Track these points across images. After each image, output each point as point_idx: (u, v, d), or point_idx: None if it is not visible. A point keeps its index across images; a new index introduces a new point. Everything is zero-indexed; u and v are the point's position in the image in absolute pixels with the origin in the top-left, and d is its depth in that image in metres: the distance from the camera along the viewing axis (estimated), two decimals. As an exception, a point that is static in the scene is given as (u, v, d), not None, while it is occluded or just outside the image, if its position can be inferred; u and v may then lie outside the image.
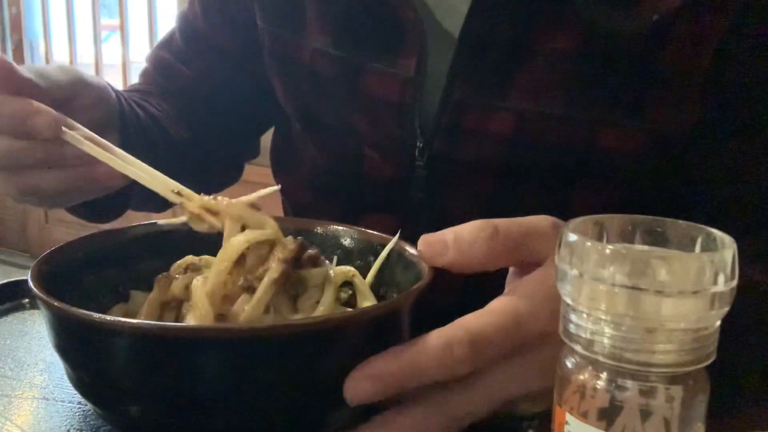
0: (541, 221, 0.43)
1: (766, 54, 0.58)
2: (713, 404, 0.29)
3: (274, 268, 0.45)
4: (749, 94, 0.59)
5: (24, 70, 0.56)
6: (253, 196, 0.47)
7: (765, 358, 0.53)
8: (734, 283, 0.28)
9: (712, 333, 0.29)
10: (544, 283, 0.40)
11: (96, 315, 0.38)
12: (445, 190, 0.66)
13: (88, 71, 0.76)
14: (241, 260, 0.46)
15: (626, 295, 0.28)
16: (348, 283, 0.52)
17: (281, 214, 0.84)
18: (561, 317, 0.31)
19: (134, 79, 0.88)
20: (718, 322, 0.29)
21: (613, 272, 0.28)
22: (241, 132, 0.85)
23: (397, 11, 0.62)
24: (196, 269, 0.49)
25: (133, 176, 0.50)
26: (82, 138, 0.53)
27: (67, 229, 3.47)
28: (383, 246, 0.52)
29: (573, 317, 0.30)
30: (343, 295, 0.52)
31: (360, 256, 0.54)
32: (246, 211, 0.46)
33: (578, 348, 0.30)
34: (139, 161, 0.51)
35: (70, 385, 0.44)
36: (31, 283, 0.43)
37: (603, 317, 0.28)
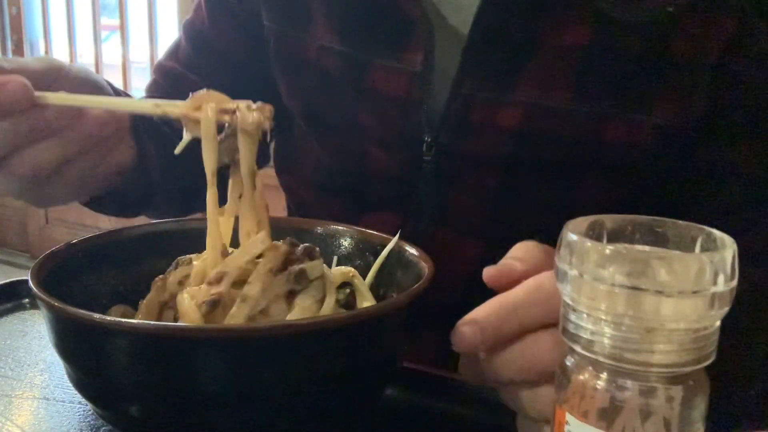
0: None
1: None
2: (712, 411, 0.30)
3: (269, 257, 0.45)
4: (756, 92, 0.59)
5: None
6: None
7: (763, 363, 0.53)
8: (734, 283, 0.28)
9: (712, 333, 0.29)
10: None
11: (96, 315, 0.38)
12: (451, 186, 0.66)
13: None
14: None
15: (626, 295, 0.28)
16: (347, 284, 0.52)
17: (284, 211, 0.84)
18: (561, 317, 0.31)
19: (134, 79, 0.87)
20: (718, 322, 0.29)
21: (613, 272, 0.28)
22: None
23: (403, 7, 0.62)
24: (187, 263, 0.49)
25: (116, 108, 0.53)
26: (57, 94, 0.52)
27: (67, 229, 3.47)
28: (383, 246, 0.53)
29: (573, 317, 0.30)
30: (341, 296, 0.52)
31: (360, 256, 0.54)
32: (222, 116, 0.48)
33: (578, 348, 0.30)
34: (120, 98, 0.52)
35: (70, 385, 0.45)
36: (31, 283, 0.43)
37: (603, 317, 0.28)
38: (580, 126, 0.61)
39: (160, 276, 0.49)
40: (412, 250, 0.50)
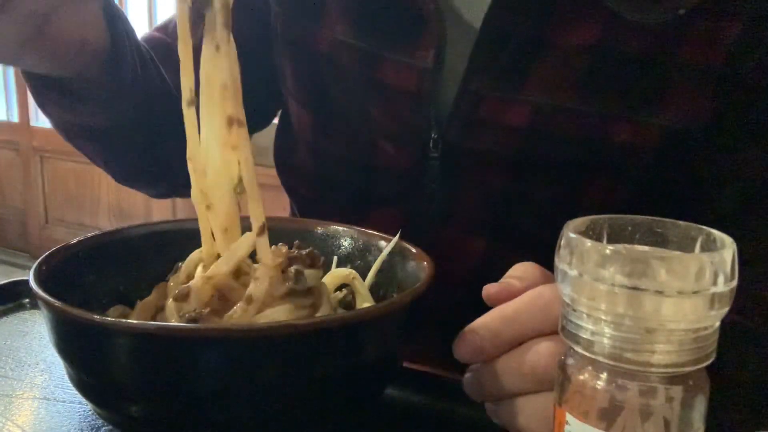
0: None
1: None
2: None
3: (277, 253, 0.45)
4: (761, 97, 0.59)
5: None
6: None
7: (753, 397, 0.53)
8: (734, 283, 0.28)
9: (712, 333, 0.29)
10: None
11: (96, 315, 0.39)
12: (457, 184, 0.66)
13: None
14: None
15: (626, 296, 0.28)
16: (347, 285, 0.52)
17: (286, 210, 0.84)
18: (561, 317, 0.31)
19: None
20: (718, 323, 0.29)
21: (613, 272, 0.28)
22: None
23: (417, 2, 0.62)
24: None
25: None
26: None
27: (67, 229, 3.47)
28: (383, 246, 0.53)
29: (573, 317, 0.30)
30: (341, 296, 0.52)
31: (360, 257, 0.54)
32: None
33: (578, 348, 0.30)
34: None
35: (70, 385, 0.45)
36: (31, 283, 0.43)
37: (603, 317, 0.28)
38: (588, 126, 0.61)
39: (163, 282, 0.49)
40: (412, 250, 0.50)
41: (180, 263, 0.50)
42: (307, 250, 0.48)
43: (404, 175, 0.68)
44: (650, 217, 0.32)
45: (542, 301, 0.42)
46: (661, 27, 0.58)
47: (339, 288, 0.53)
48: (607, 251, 0.28)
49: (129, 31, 0.65)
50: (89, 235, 0.52)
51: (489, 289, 0.45)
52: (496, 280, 0.46)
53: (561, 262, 0.30)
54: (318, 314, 0.46)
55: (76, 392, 0.44)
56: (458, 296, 0.62)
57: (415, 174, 0.67)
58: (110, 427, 0.47)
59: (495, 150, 0.63)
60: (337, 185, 0.73)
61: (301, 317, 0.45)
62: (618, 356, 0.28)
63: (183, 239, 0.53)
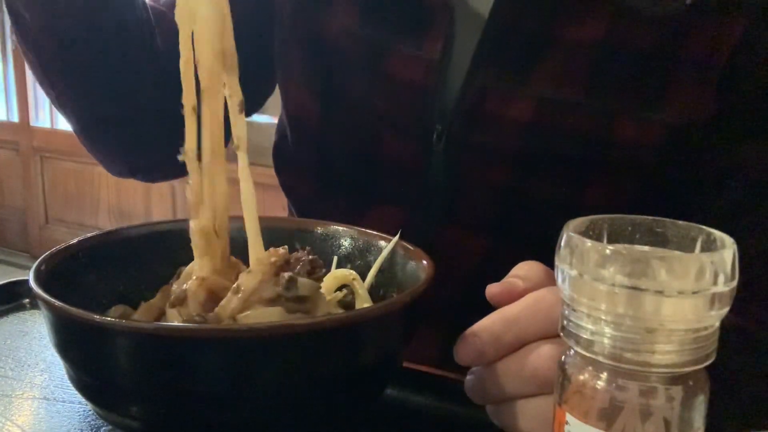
0: None
1: None
2: None
3: (275, 254, 0.45)
4: (764, 95, 0.59)
5: None
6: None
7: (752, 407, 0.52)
8: (734, 283, 0.28)
9: (712, 333, 0.29)
10: None
11: (96, 315, 0.39)
12: (459, 180, 0.66)
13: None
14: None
15: (626, 295, 0.28)
16: (346, 285, 0.52)
17: (285, 210, 0.84)
18: (561, 317, 0.31)
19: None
20: (718, 323, 0.29)
21: (613, 272, 0.28)
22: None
23: None
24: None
25: None
26: None
27: (67, 229, 3.47)
28: (383, 246, 0.53)
29: (573, 317, 0.30)
30: (339, 295, 0.52)
31: (360, 257, 0.54)
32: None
33: (578, 348, 0.30)
34: None
35: (70, 385, 0.45)
36: (31, 283, 0.43)
37: (603, 317, 0.28)
38: (592, 122, 0.61)
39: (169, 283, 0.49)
40: (412, 250, 0.50)
41: (182, 267, 0.50)
42: (310, 257, 0.48)
43: (407, 171, 0.68)
44: (650, 217, 0.32)
45: (544, 305, 0.42)
46: (668, 20, 0.58)
47: (339, 288, 0.53)
48: (607, 251, 0.28)
49: None
50: (89, 235, 0.52)
51: (492, 289, 0.45)
52: (498, 279, 0.46)
53: (561, 262, 0.30)
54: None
55: (76, 392, 0.44)
56: (460, 296, 0.62)
57: (419, 169, 0.67)
58: (110, 427, 0.47)
59: (498, 144, 0.63)
60: (338, 182, 0.73)
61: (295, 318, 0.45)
62: (618, 356, 0.28)
63: (183, 239, 0.53)
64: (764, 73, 0.59)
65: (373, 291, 0.52)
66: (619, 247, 0.30)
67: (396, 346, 0.45)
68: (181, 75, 0.46)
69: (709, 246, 0.30)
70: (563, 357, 0.31)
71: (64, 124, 2.15)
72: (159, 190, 3.20)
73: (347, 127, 0.71)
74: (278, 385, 0.39)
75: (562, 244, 0.30)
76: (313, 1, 0.69)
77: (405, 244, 0.51)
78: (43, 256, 0.47)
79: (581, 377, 0.30)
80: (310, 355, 0.39)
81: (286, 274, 0.44)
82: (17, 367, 0.55)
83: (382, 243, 0.53)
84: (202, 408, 0.39)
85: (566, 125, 0.61)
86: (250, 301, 0.44)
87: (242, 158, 0.45)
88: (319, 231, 0.56)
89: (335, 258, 0.55)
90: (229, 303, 0.43)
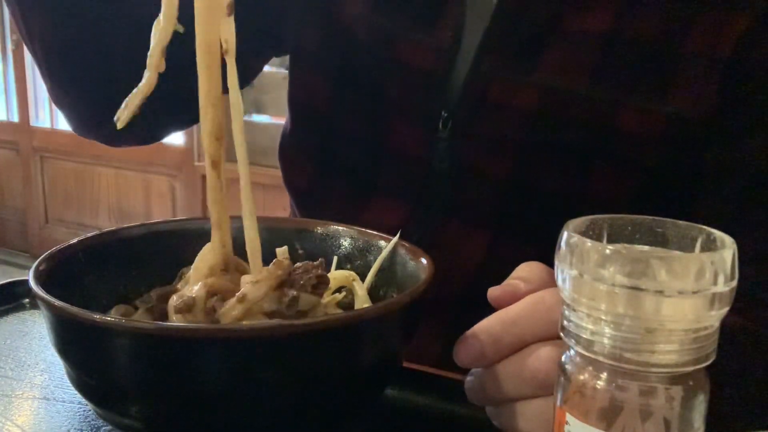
0: None
1: None
2: None
3: (281, 265, 0.45)
4: (765, 89, 0.60)
5: None
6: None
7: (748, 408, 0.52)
8: (734, 283, 0.28)
9: (712, 333, 0.29)
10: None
11: (96, 315, 0.38)
12: (463, 172, 0.66)
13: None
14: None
15: (626, 295, 0.28)
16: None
17: (286, 210, 0.84)
18: (561, 317, 0.31)
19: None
20: (718, 323, 0.29)
21: (613, 272, 0.28)
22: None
23: None
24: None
25: None
26: None
27: (67, 229, 3.47)
28: (383, 246, 0.53)
29: (573, 317, 0.30)
30: (339, 296, 0.52)
31: (360, 256, 0.54)
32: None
33: (578, 348, 0.30)
34: None
35: (70, 385, 0.45)
36: (31, 283, 0.43)
37: (603, 317, 0.28)
38: (596, 112, 0.61)
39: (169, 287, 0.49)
40: (412, 250, 0.50)
41: (185, 269, 0.50)
42: (319, 272, 0.47)
43: (411, 159, 0.68)
44: (650, 217, 0.32)
45: (544, 306, 0.42)
46: (672, 12, 0.58)
47: (338, 289, 0.53)
48: (607, 251, 0.28)
49: None
50: (89, 235, 0.52)
51: (493, 292, 0.45)
52: (500, 275, 0.46)
53: (561, 262, 0.30)
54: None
55: (76, 392, 0.44)
56: (462, 293, 0.62)
57: (423, 158, 0.67)
58: (110, 427, 0.47)
59: (502, 133, 0.63)
60: (340, 169, 0.73)
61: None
62: (618, 356, 0.28)
63: (183, 239, 0.53)
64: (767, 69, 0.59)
65: (373, 291, 0.52)
66: (619, 247, 0.30)
67: (396, 346, 0.45)
68: None
69: (709, 246, 0.30)
70: (563, 357, 0.31)
71: (64, 124, 2.15)
72: (159, 190, 3.20)
73: (356, 110, 0.71)
74: (278, 385, 0.39)
75: (562, 244, 0.30)
76: None
77: (405, 243, 0.51)
78: (42, 256, 0.47)
79: (581, 377, 0.30)
80: (310, 356, 0.39)
81: (291, 293, 0.44)
82: (17, 367, 0.55)
83: (382, 243, 0.53)
84: (202, 408, 0.39)
85: (570, 115, 0.62)
86: (252, 311, 0.44)
87: (231, 64, 0.44)
88: (319, 231, 0.56)
89: (335, 258, 0.55)
90: (232, 310, 0.43)
